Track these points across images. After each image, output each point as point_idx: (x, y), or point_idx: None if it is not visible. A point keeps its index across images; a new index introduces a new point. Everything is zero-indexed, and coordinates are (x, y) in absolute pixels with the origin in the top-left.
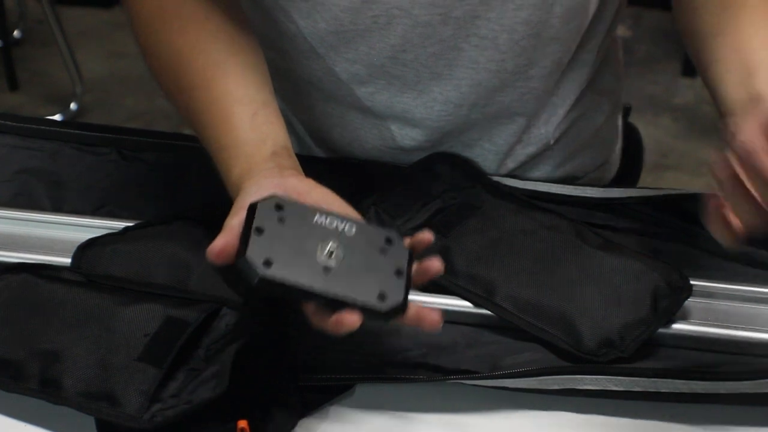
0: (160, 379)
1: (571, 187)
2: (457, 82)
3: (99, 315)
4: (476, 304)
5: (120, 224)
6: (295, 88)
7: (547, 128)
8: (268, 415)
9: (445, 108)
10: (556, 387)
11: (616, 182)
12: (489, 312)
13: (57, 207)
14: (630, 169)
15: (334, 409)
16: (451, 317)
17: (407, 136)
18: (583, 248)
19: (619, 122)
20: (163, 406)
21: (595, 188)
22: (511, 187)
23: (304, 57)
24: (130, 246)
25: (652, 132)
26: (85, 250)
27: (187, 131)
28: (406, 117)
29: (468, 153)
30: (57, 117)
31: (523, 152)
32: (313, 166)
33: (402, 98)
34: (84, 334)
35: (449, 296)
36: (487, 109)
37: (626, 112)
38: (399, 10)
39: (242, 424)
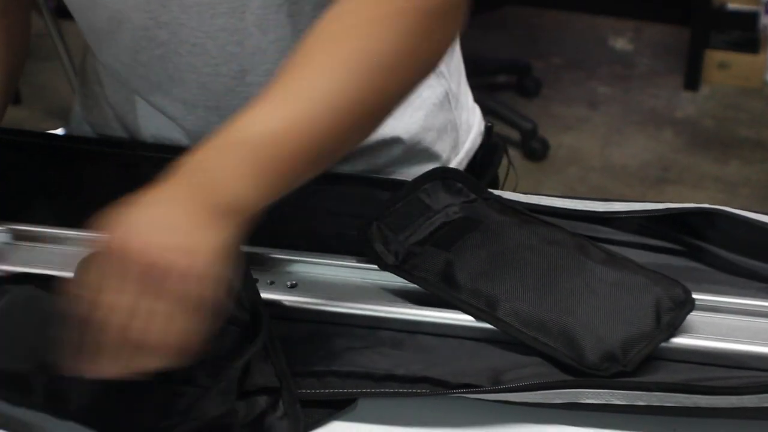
0: (169, 396)
1: (574, 200)
2: (187, 85)
3: None
4: (478, 318)
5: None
6: (104, 71)
7: None
8: (270, 429)
9: (186, 108)
10: (558, 401)
11: None
12: (491, 326)
13: (59, 220)
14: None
15: (336, 424)
16: (453, 331)
17: (174, 131)
18: (585, 262)
19: (460, 140)
20: (171, 422)
21: (597, 202)
22: (513, 201)
23: (92, 46)
24: None
25: (653, 146)
26: None
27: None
28: (166, 114)
29: None
30: (59, 131)
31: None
32: None
33: (154, 97)
34: None
35: (451, 310)
36: (222, 112)
37: (487, 130)
38: (121, 14)
39: None
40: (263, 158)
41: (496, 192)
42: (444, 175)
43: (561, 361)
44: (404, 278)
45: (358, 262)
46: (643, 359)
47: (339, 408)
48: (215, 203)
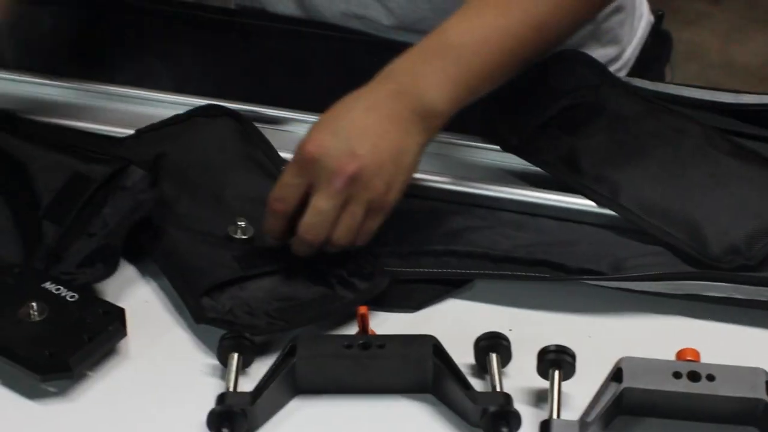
0: (60, 237)
1: (703, 90)
2: None
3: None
4: (600, 204)
5: (242, 107)
6: None
7: None
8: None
9: None
10: (679, 292)
11: None
12: (613, 213)
13: (180, 88)
14: (646, 72)
15: (452, 302)
16: (575, 216)
17: (371, 6)
18: (712, 153)
19: (639, 21)
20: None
21: (727, 93)
22: (640, 88)
23: None
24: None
25: None
26: None
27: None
28: None
29: None
30: None
31: None
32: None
33: None
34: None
35: (573, 194)
36: (446, 4)
37: (658, 19)
38: None
39: (363, 310)
40: (463, 68)
41: (623, 78)
42: (571, 57)
43: (683, 251)
44: (526, 160)
45: (481, 141)
46: None
47: (456, 287)
48: (417, 110)
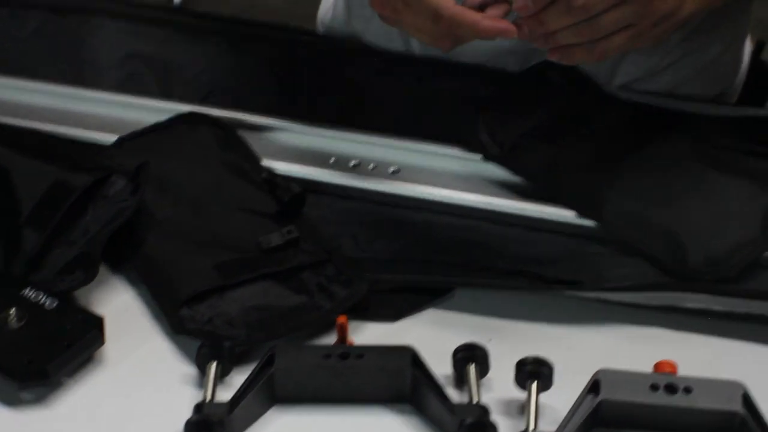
0: (42, 244)
1: (687, 103)
2: None
3: None
4: (581, 215)
5: (225, 114)
6: None
7: (653, 55)
8: (333, 296)
9: None
10: (657, 303)
11: None
12: (593, 223)
13: (165, 93)
14: (750, 103)
15: (432, 311)
16: (555, 227)
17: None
18: (695, 165)
19: (744, 54)
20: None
21: (711, 105)
22: (623, 100)
23: None
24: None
25: None
26: None
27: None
28: None
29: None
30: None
31: (625, 75)
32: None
33: None
34: None
35: (554, 205)
36: None
37: (759, 47)
38: None
39: (341, 320)
40: None
41: (606, 90)
42: (553, 68)
43: (663, 262)
44: (507, 169)
45: (462, 150)
46: (747, 266)
47: (437, 296)
48: None
